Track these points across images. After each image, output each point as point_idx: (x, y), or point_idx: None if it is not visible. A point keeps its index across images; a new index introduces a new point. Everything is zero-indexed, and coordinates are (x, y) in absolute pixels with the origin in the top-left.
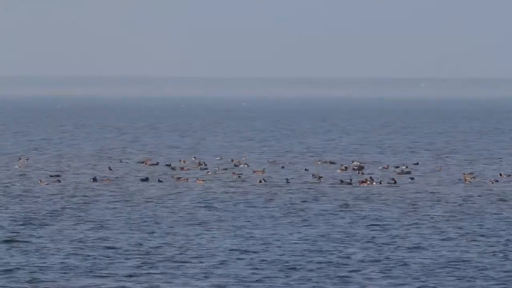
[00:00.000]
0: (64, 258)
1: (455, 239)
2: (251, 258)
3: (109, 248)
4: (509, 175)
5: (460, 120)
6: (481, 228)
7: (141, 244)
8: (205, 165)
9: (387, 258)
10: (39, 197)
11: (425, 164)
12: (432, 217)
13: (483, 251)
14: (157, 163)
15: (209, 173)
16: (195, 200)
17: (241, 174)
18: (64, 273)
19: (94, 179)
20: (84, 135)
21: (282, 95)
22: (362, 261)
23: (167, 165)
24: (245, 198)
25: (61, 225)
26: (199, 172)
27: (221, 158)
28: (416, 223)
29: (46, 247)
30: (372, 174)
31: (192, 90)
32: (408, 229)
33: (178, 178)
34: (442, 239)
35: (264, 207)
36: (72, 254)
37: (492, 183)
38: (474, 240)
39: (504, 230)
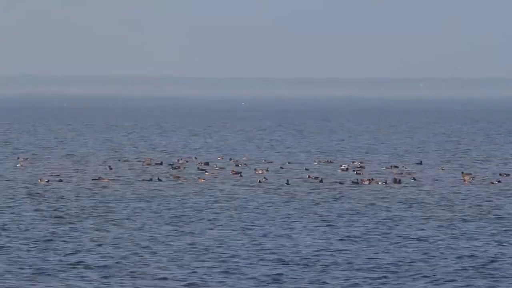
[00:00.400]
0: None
1: (471, 238)
2: (257, 257)
3: (115, 247)
4: (508, 175)
5: (463, 120)
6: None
7: (144, 243)
8: (208, 164)
9: (394, 257)
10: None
11: (428, 164)
12: (427, 217)
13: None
14: (161, 163)
15: (207, 173)
16: (195, 200)
17: (241, 173)
18: (78, 271)
19: (95, 179)
20: (97, 135)
21: (282, 95)
22: (369, 260)
23: (169, 164)
24: (245, 198)
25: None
26: (198, 172)
27: (222, 158)
28: (415, 222)
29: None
30: (373, 174)
31: (192, 90)
32: (407, 229)
33: (178, 178)
34: (444, 238)
35: (264, 206)
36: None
37: (493, 183)
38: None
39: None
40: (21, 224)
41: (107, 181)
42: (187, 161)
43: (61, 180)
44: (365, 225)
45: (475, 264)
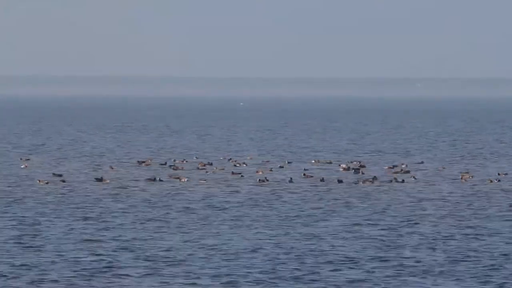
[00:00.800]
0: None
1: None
2: (260, 258)
3: (120, 248)
4: (506, 174)
5: (465, 119)
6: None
7: (148, 243)
8: (210, 164)
9: (396, 257)
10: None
11: (430, 163)
12: (423, 216)
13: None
14: (165, 163)
15: (208, 172)
16: (195, 200)
17: (241, 173)
18: (77, 272)
19: (98, 179)
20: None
21: (282, 95)
22: (372, 260)
23: (170, 166)
24: (246, 197)
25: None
26: (197, 172)
27: (224, 158)
28: (412, 222)
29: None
30: (373, 173)
31: (192, 90)
32: (407, 228)
33: (177, 178)
34: (444, 238)
35: (264, 206)
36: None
37: (492, 182)
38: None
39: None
40: (22, 224)
41: (108, 181)
42: (186, 161)
43: (64, 181)
44: (376, 224)
45: (487, 263)
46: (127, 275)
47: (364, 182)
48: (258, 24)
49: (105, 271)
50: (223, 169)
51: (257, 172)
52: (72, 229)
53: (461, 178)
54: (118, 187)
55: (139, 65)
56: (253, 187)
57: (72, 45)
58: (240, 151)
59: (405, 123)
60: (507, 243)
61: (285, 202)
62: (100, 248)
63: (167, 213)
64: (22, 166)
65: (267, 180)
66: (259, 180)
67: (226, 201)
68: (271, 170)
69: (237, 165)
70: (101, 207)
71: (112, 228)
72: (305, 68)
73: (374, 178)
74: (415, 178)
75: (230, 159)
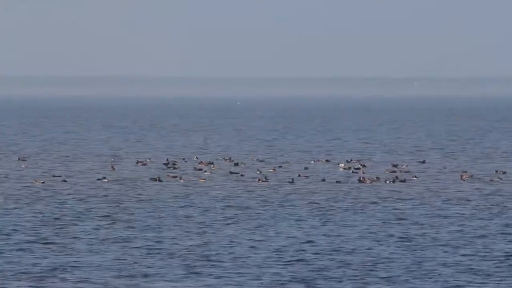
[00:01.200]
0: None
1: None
2: (265, 257)
3: (124, 247)
4: (504, 172)
5: (465, 118)
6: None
7: (153, 243)
8: (212, 164)
9: (401, 256)
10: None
11: (432, 163)
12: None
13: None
14: (168, 162)
15: (206, 173)
16: (195, 199)
17: (239, 173)
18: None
19: (100, 179)
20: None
21: (282, 95)
22: (382, 259)
23: (169, 165)
24: (246, 197)
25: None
26: (197, 171)
27: (224, 159)
28: (419, 220)
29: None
30: (374, 173)
31: (192, 90)
32: (412, 227)
33: (174, 177)
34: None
35: (264, 206)
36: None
37: (492, 181)
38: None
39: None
40: (24, 225)
41: (108, 181)
42: (186, 161)
43: (65, 181)
44: (376, 224)
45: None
46: (159, 275)
47: (366, 181)
48: (258, 24)
49: (136, 273)
50: (221, 168)
51: (259, 173)
52: (97, 229)
53: (461, 178)
54: (118, 188)
55: (139, 65)
56: (255, 187)
57: (72, 45)
58: (244, 151)
59: (405, 123)
60: (509, 241)
61: (291, 200)
62: (133, 249)
63: (165, 213)
64: (22, 166)
65: (267, 180)
66: (258, 179)
67: (227, 201)
68: (275, 170)
69: (237, 164)
70: (99, 207)
71: (117, 228)
72: (305, 68)
73: (377, 177)
74: (416, 178)
75: (230, 158)
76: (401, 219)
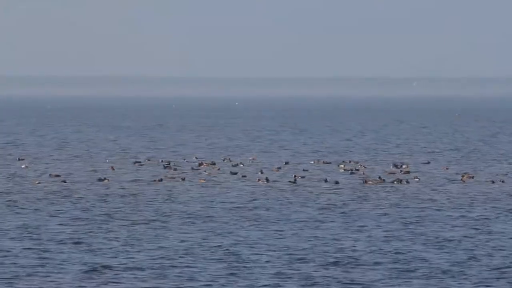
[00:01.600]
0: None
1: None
2: (268, 256)
3: (124, 247)
4: (506, 174)
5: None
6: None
7: (157, 243)
8: (214, 164)
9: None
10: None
11: (434, 163)
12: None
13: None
14: (169, 163)
15: (206, 173)
16: (195, 200)
17: (237, 173)
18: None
19: (100, 179)
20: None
21: (282, 95)
22: (392, 260)
23: (162, 162)
24: (248, 197)
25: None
26: (195, 172)
27: (225, 159)
28: (408, 222)
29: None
30: (374, 173)
31: (192, 90)
32: (402, 227)
33: (173, 178)
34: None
35: (264, 206)
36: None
37: (494, 182)
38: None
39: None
40: (25, 226)
41: (108, 182)
42: (186, 161)
43: (64, 181)
44: (385, 225)
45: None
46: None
47: (367, 182)
48: (258, 24)
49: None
50: (219, 169)
51: (260, 173)
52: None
53: (462, 179)
54: (118, 188)
55: (139, 65)
56: (255, 187)
57: (72, 45)
58: (246, 150)
59: (407, 123)
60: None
61: (286, 201)
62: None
63: (166, 214)
64: (22, 166)
65: (268, 181)
66: (258, 179)
67: (228, 200)
68: (278, 169)
69: (236, 165)
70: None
71: (118, 228)
72: (305, 68)
73: (380, 178)
74: (418, 179)
75: (229, 158)
76: (415, 221)
